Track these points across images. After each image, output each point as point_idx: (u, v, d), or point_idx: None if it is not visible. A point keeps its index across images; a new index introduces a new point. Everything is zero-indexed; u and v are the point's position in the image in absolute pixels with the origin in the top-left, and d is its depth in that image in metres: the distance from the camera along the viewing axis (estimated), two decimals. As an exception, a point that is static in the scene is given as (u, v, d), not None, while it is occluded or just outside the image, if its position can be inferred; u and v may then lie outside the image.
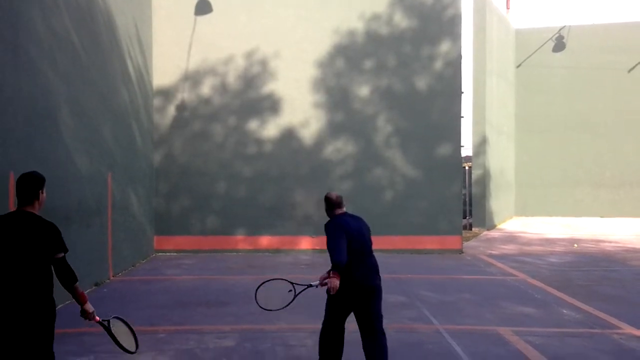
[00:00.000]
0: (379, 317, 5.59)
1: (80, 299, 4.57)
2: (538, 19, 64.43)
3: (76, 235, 9.55)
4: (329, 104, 15.02)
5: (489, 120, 22.00)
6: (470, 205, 22.00)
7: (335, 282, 5.27)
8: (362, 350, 5.55)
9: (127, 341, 4.85)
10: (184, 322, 8.12)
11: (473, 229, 21.17)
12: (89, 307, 4.64)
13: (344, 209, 5.87)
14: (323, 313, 8.74)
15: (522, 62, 26.88)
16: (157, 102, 14.88)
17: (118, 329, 4.86)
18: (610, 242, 17.57)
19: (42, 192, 4.41)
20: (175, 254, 14.66)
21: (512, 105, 26.57)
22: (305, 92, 14.97)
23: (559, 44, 26.66)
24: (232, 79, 15.00)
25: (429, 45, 15.06)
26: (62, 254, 4.40)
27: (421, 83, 15.04)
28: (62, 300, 8.94)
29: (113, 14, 11.74)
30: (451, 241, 14.85)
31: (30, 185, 4.37)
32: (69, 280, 4.48)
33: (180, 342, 7.10)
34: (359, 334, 5.61)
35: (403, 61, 15.05)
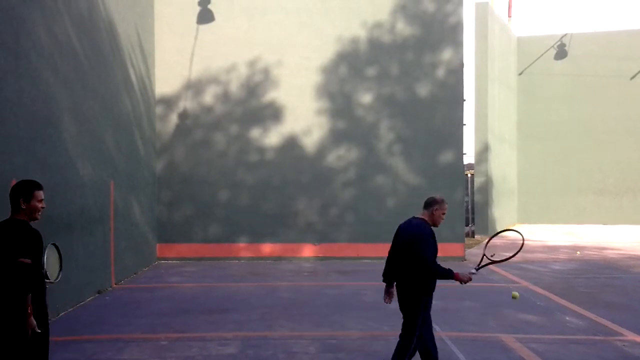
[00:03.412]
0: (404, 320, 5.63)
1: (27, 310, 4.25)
2: (540, 27, 64.61)
3: (78, 242, 9.56)
4: (332, 111, 15.03)
5: (491, 128, 21.99)
6: (473, 212, 21.96)
7: None
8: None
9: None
10: (186, 329, 8.10)
11: (475, 236, 21.12)
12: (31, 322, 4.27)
13: (422, 213, 5.71)
14: (325, 321, 8.74)
15: (524, 69, 26.89)
16: (159, 110, 14.90)
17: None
18: (613, 249, 17.52)
19: (28, 201, 4.36)
20: (177, 261, 14.65)
21: (514, 113, 26.56)
22: (307, 100, 14.98)
23: (561, 52, 26.67)
24: (234, 87, 15.02)
25: (431, 52, 15.08)
26: (28, 261, 4.24)
27: (423, 90, 15.05)
28: (64, 307, 8.95)
29: (115, 22, 11.79)
30: (453, 248, 14.79)
31: (12, 194, 4.42)
32: (23, 289, 4.21)
33: (182, 349, 7.09)
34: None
35: (405, 69, 15.06)
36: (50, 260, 4.65)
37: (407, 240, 5.55)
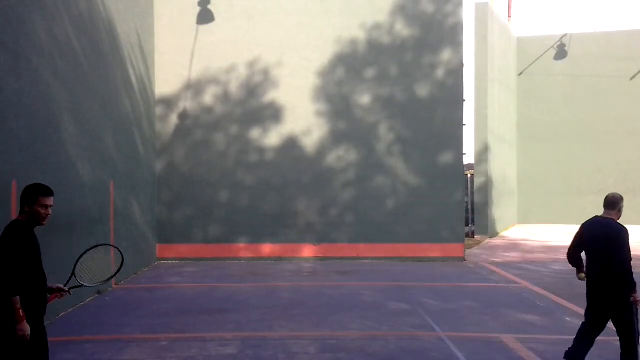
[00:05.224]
0: (615, 317, 5.79)
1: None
2: (540, 27, 64.63)
3: (78, 243, 9.54)
4: (331, 112, 15.03)
5: (490, 128, 21.99)
6: (473, 213, 21.96)
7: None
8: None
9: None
10: (186, 329, 8.10)
11: (475, 236, 21.11)
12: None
13: (606, 212, 6.00)
14: (324, 321, 8.74)
15: (524, 70, 26.90)
16: (159, 110, 14.90)
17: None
18: (613, 249, 17.47)
19: (31, 205, 4.28)
20: (177, 262, 14.65)
21: (514, 113, 26.56)
22: (307, 101, 14.98)
23: (561, 52, 26.68)
24: (234, 87, 15.03)
25: (430, 53, 15.08)
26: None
27: (423, 91, 15.05)
28: (64, 308, 8.95)
29: (115, 23, 11.78)
30: (453, 249, 14.81)
31: (21, 195, 4.40)
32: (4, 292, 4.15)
33: (182, 349, 7.08)
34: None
35: (405, 69, 15.06)
36: (94, 262, 4.69)
37: (613, 239, 5.79)
